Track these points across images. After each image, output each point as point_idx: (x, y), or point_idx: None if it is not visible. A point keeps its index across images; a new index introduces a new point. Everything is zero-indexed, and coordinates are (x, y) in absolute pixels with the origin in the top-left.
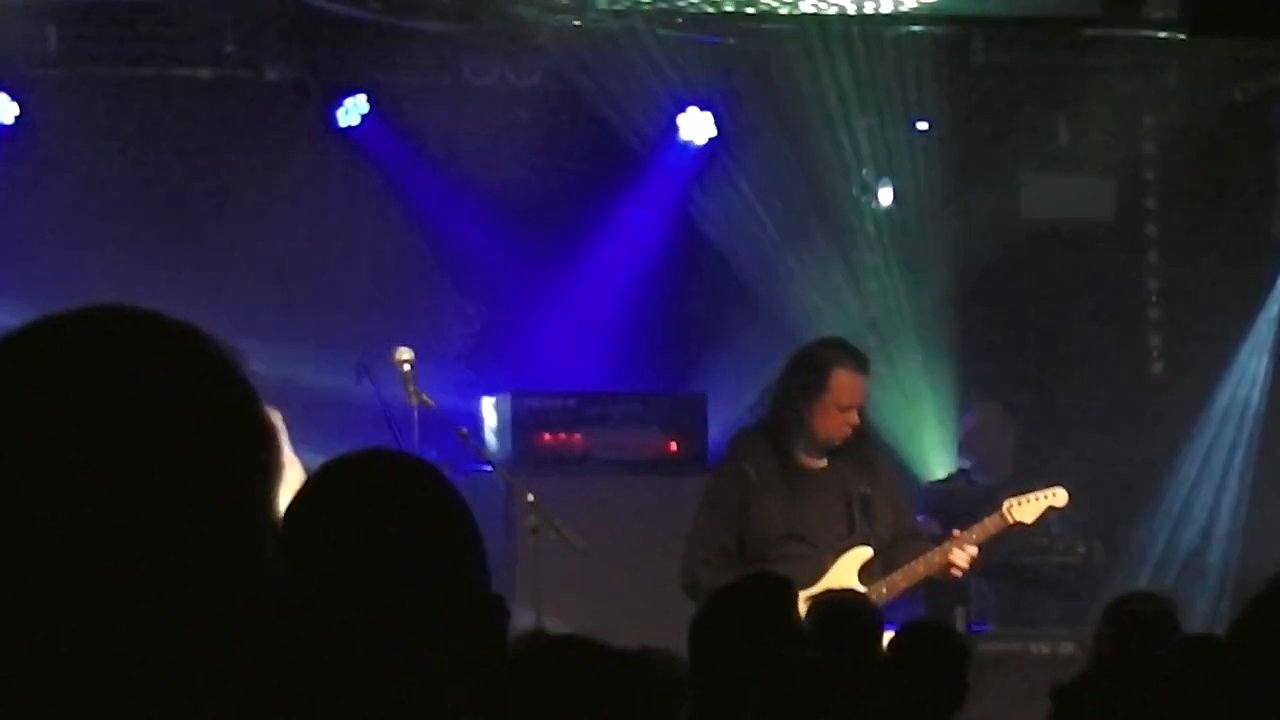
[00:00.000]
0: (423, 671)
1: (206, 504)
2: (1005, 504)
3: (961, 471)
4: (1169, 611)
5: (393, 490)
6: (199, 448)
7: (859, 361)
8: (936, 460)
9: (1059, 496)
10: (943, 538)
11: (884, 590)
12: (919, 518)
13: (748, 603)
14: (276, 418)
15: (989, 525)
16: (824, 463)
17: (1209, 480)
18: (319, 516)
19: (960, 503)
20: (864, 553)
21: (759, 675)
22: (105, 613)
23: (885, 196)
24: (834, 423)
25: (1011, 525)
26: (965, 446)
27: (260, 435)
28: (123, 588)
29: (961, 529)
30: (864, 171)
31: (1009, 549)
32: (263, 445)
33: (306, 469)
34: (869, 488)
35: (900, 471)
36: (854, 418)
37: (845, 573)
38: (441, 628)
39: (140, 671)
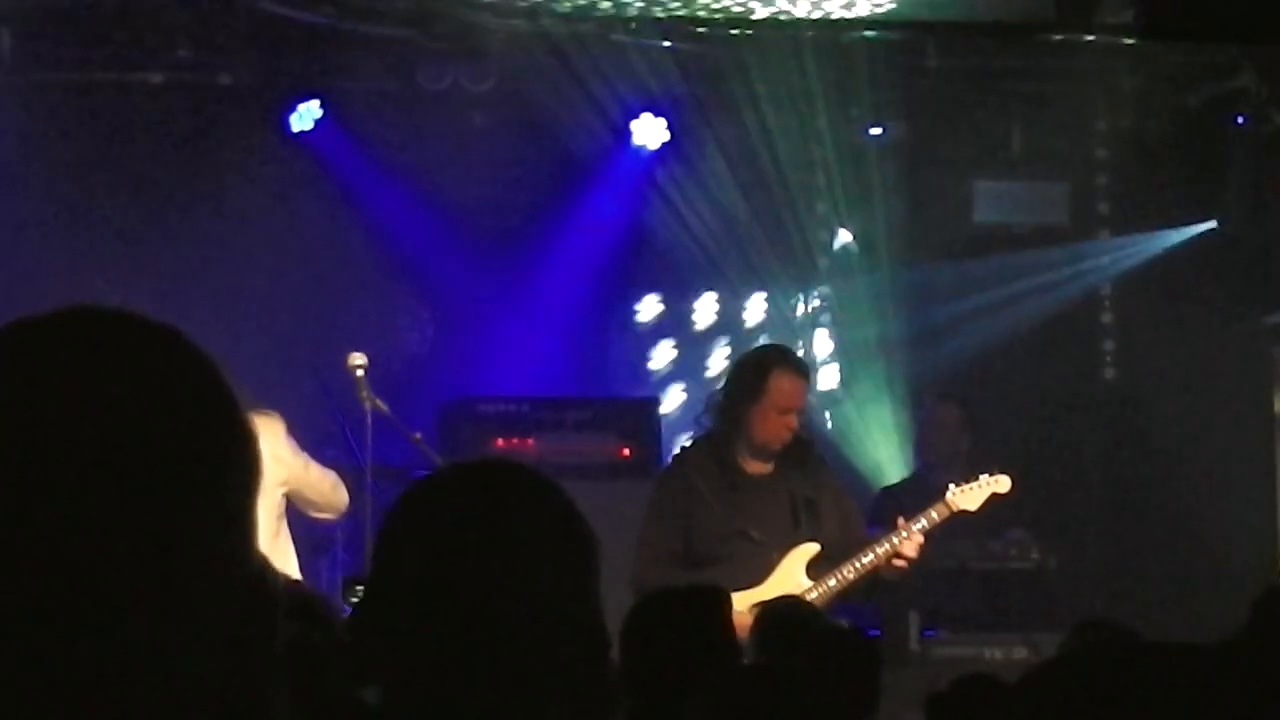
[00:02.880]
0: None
1: (184, 507)
2: (949, 493)
3: (917, 474)
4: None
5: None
6: (179, 449)
7: (798, 366)
8: (890, 465)
9: (1002, 483)
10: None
11: (831, 584)
12: (871, 529)
13: (678, 612)
14: (276, 422)
15: (934, 514)
16: (768, 468)
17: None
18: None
19: (916, 504)
20: (810, 549)
21: (697, 683)
22: (81, 617)
23: (836, 202)
24: (772, 426)
25: (956, 513)
26: (922, 445)
27: (240, 437)
28: (98, 591)
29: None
30: (816, 176)
31: (962, 554)
32: (243, 447)
33: None
34: (813, 492)
35: (853, 478)
36: (792, 421)
37: (793, 569)
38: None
39: (114, 675)
